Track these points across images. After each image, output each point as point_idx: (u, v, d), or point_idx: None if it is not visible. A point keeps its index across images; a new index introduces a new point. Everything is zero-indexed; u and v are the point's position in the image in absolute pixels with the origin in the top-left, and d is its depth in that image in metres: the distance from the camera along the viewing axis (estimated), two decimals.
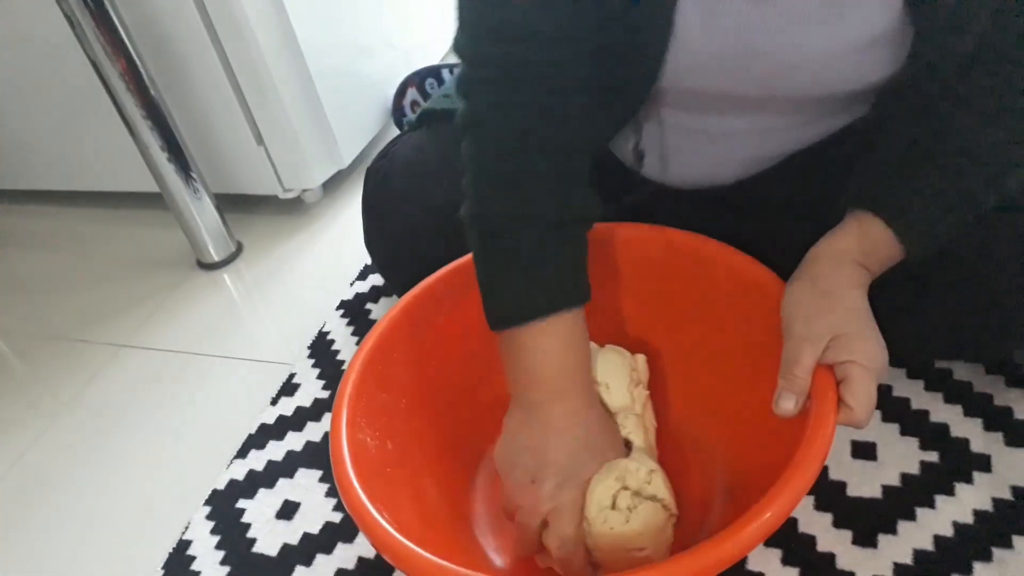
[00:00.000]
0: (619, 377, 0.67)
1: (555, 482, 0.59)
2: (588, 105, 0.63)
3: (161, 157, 1.14)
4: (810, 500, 0.69)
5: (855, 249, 0.59)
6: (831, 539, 0.66)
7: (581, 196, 0.62)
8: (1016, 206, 0.60)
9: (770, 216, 0.72)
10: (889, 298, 0.59)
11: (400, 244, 0.83)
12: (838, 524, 0.67)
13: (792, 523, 0.67)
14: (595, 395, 0.65)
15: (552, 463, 0.59)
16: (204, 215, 1.20)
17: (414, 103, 1.35)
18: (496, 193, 0.61)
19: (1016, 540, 0.63)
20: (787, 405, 0.55)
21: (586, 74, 0.62)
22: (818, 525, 0.67)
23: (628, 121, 0.70)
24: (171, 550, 0.79)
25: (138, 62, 1.07)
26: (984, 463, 0.69)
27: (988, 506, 0.66)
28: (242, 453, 0.88)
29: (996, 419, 0.72)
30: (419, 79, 1.36)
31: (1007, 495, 0.66)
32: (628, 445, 0.65)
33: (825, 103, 0.64)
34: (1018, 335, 0.65)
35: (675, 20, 0.59)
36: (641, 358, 0.70)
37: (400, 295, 0.74)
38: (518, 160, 0.61)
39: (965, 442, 0.71)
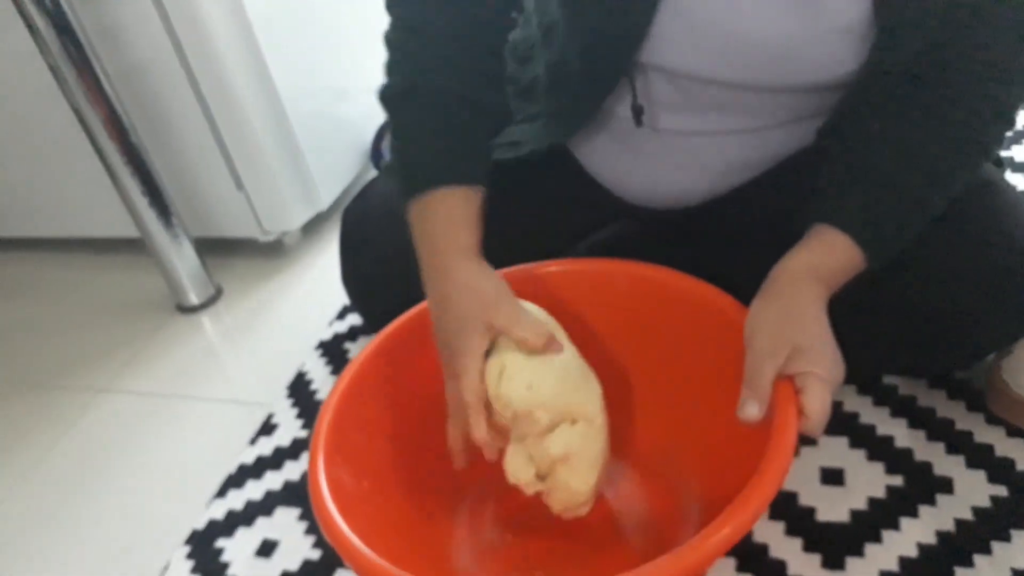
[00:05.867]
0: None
1: (447, 352, 0.64)
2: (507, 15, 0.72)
3: (142, 202, 1.16)
4: (781, 526, 0.71)
5: (815, 265, 0.62)
6: (801, 563, 0.67)
7: (494, 90, 0.71)
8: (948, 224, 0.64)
9: (732, 243, 0.75)
10: (839, 315, 0.61)
11: (375, 281, 0.85)
12: (808, 548, 0.68)
13: (763, 548, 0.69)
14: (480, 264, 0.67)
15: (441, 333, 0.65)
16: (184, 259, 1.22)
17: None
18: (416, 69, 0.68)
19: (977, 559, 0.65)
20: (751, 411, 0.56)
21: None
22: (788, 550, 0.69)
23: (612, 89, 0.72)
24: None
25: (119, 109, 1.09)
26: (946, 485, 0.71)
27: (951, 527, 0.68)
28: (221, 493, 0.88)
29: (957, 443, 0.74)
30: None
31: (968, 516, 0.68)
32: None
33: (794, 102, 0.68)
34: (955, 352, 0.68)
35: (661, 3, 0.62)
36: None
37: (375, 332, 0.75)
38: (438, 43, 0.68)
39: (928, 466, 0.73)
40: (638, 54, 0.66)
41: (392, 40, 0.70)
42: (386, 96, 0.71)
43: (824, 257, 0.62)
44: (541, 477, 0.63)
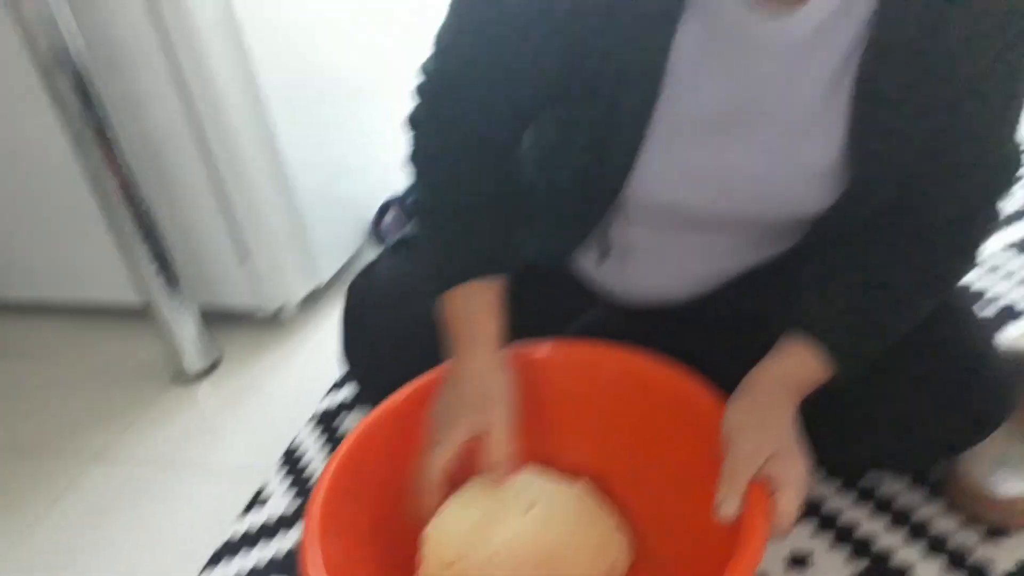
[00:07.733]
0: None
1: (435, 423, 0.70)
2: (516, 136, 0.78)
3: (149, 269, 1.18)
4: None
5: (789, 375, 0.67)
6: None
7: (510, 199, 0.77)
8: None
9: (716, 331, 0.80)
10: (807, 412, 0.67)
11: (380, 354, 0.88)
12: None
13: None
14: (494, 358, 0.72)
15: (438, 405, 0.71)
16: (186, 327, 1.25)
17: (396, 222, 1.42)
18: (433, 184, 0.77)
19: None
20: (729, 510, 0.60)
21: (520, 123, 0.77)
22: None
23: (595, 228, 0.78)
24: None
25: (134, 177, 1.13)
26: (907, 572, 0.75)
27: None
28: (213, 562, 0.91)
29: (917, 530, 0.78)
30: (401, 200, 1.44)
31: None
32: None
33: (769, 228, 0.74)
34: (918, 453, 0.73)
35: (645, 143, 0.67)
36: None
37: (374, 404, 0.78)
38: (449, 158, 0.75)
39: (889, 553, 0.77)
40: (623, 188, 0.71)
41: (418, 164, 0.78)
42: (419, 209, 0.79)
43: (798, 368, 0.67)
44: None
